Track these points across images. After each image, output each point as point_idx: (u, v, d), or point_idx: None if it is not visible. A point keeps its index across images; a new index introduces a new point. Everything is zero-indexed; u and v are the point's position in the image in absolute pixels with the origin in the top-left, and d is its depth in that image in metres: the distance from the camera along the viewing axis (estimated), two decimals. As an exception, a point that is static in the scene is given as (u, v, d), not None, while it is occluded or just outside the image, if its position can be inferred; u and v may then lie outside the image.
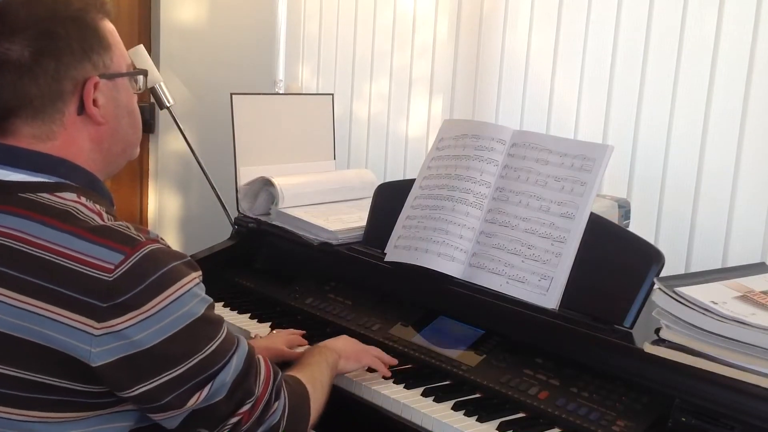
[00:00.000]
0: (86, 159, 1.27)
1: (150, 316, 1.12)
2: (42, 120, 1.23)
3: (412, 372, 1.67)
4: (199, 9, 3.13)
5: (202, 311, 1.19)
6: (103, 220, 1.17)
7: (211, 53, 3.15)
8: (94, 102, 1.25)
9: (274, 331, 1.85)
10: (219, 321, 1.23)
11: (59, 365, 1.12)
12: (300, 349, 1.76)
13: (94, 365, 1.11)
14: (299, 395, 1.36)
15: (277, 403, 1.28)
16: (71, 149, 1.25)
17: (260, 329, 1.91)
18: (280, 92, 3.25)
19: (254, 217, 2.27)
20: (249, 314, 1.98)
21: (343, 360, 1.57)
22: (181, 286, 1.16)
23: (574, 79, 2.31)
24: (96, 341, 1.10)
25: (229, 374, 1.20)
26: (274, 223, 2.21)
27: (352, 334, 1.83)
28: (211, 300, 1.23)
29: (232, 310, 2.01)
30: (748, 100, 1.97)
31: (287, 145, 2.40)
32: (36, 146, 1.23)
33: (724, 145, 2.01)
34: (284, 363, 1.57)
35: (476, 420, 1.48)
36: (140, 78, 1.35)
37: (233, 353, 1.22)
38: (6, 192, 1.19)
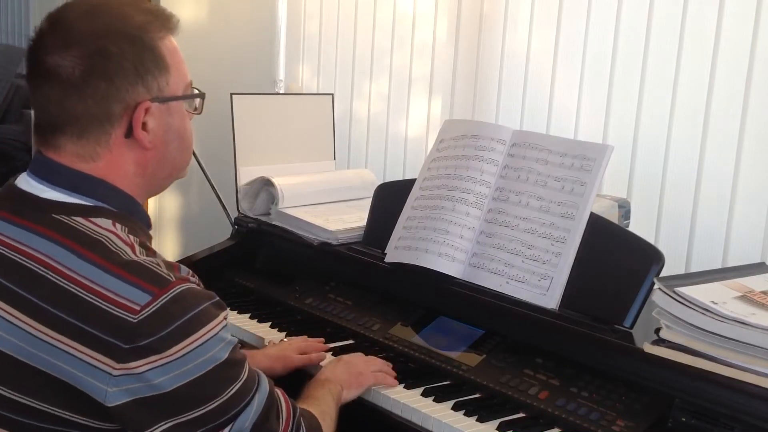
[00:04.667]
0: (128, 183, 1.23)
1: (172, 360, 1.08)
2: (87, 139, 1.19)
3: (412, 372, 1.67)
4: (199, 9, 3.12)
5: (226, 356, 1.15)
6: (135, 254, 1.13)
7: (211, 53, 3.14)
8: (144, 126, 1.21)
9: (286, 339, 1.80)
10: (242, 361, 1.19)
11: (73, 400, 1.09)
12: (312, 355, 1.71)
13: (108, 405, 1.08)
14: (315, 429, 1.33)
15: None
16: (114, 171, 1.21)
17: (260, 329, 1.90)
18: (280, 92, 3.24)
19: (254, 217, 2.26)
20: (249, 314, 1.98)
21: (345, 391, 1.54)
22: (208, 331, 1.12)
23: (574, 79, 2.31)
24: (113, 381, 1.07)
25: (249, 417, 1.17)
26: (274, 223, 2.21)
27: (352, 334, 1.83)
28: (236, 341, 1.19)
29: (232, 310, 2.00)
30: (748, 100, 1.97)
31: (287, 145, 2.39)
32: (78, 165, 1.19)
33: (724, 145, 2.01)
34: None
35: (476, 420, 1.48)
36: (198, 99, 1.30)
37: (254, 393, 1.19)
38: (40, 210, 1.16)
